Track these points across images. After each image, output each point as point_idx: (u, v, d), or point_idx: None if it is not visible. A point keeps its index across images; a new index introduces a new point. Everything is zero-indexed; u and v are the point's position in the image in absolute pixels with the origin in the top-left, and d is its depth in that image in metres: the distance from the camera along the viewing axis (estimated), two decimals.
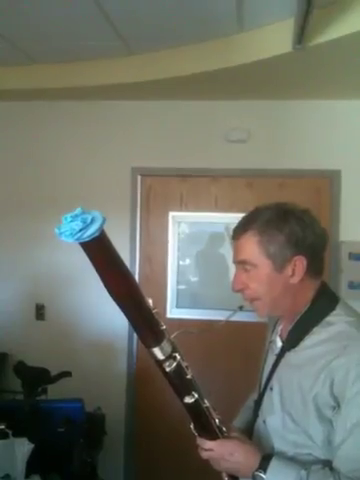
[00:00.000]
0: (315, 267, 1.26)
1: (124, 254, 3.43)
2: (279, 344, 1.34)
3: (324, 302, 1.26)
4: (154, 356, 1.08)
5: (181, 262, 3.62)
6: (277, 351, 1.34)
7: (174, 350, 1.09)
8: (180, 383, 1.14)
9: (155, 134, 3.47)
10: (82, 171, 3.52)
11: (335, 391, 1.14)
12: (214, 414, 1.22)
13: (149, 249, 3.56)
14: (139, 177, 3.51)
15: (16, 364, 2.84)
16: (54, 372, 2.79)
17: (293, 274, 1.23)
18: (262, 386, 1.39)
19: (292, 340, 1.27)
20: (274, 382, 1.32)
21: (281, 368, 1.30)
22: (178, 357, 1.10)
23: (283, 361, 1.30)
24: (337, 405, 1.14)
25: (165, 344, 1.07)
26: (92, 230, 0.85)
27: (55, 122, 3.55)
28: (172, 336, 1.11)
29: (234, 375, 3.43)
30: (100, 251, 0.91)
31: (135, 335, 3.51)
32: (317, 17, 2.15)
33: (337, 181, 3.35)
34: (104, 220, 0.86)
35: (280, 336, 1.36)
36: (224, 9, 2.32)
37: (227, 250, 3.61)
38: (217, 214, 3.50)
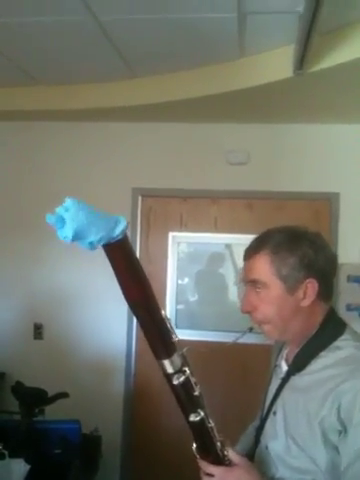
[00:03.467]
0: (325, 291, 1.26)
1: None
2: (284, 368, 1.33)
3: (332, 327, 1.26)
4: (163, 368, 1.06)
5: (180, 281, 3.63)
6: (282, 375, 1.32)
7: (184, 364, 1.08)
8: (187, 399, 1.11)
9: (156, 155, 3.50)
10: (83, 191, 3.50)
11: (342, 415, 1.12)
12: (217, 436, 1.20)
13: (149, 269, 3.56)
14: (140, 198, 3.53)
15: (14, 385, 2.82)
16: (51, 392, 2.78)
17: (304, 297, 1.23)
18: (265, 410, 1.37)
19: (299, 364, 1.26)
20: (278, 406, 1.30)
21: (286, 392, 1.29)
22: (187, 372, 1.08)
23: (288, 385, 1.29)
24: (344, 429, 1.13)
25: (175, 357, 1.05)
26: (117, 232, 0.85)
27: (56, 143, 3.58)
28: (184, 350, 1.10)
29: (233, 397, 3.40)
30: (122, 255, 0.91)
31: (133, 355, 3.51)
32: (317, 44, 2.19)
33: (336, 203, 3.38)
34: (127, 224, 0.87)
35: (286, 360, 1.35)
36: (226, 34, 2.36)
37: (227, 270, 3.62)
38: (217, 235, 3.52)
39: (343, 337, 1.24)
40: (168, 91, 2.86)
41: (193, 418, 1.12)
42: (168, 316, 3.40)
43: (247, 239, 3.89)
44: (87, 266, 3.50)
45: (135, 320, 3.48)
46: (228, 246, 3.58)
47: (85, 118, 3.41)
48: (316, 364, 1.23)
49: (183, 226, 3.55)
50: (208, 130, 3.45)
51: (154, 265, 3.57)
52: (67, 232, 0.82)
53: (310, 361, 1.24)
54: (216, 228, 3.52)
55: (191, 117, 3.32)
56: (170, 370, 1.06)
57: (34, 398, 2.68)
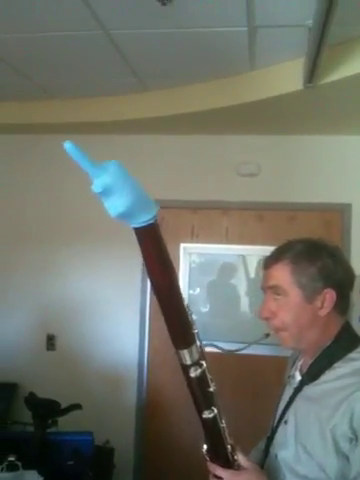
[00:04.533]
0: (342, 303, 1.29)
1: (135, 286, 3.48)
2: (298, 378, 1.34)
3: (348, 339, 1.28)
4: (181, 359, 1.07)
5: (191, 292, 3.63)
6: (295, 385, 1.34)
7: (201, 358, 1.08)
8: (201, 394, 1.11)
9: (167, 167, 3.53)
10: (94, 203, 3.54)
11: (355, 424, 1.13)
12: (228, 439, 1.20)
13: None
14: None
15: (27, 396, 2.84)
16: (64, 403, 2.79)
17: (322, 306, 1.25)
18: (276, 420, 1.38)
19: (313, 373, 1.27)
20: (290, 415, 1.31)
21: (298, 401, 1.30)
22: (204, 365, 1.09)
23: (301, 394, 1.30)
24: (355, 438, 1.13)
25: (194, 349, 1.05)
26: (149, 215, 0.89)
27: (68, 155, 3.62)
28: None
29: (244, 408, 3.38)
30: (152, 239, 0.94)
31: (145, 365, 3.52)
32: (327, 56, 2.21)
33: (348, 214, 3.37)
34: (157, 211, 0.91)
35: (300, 371, 1.36)
36: (236, 48, 2.39)
37: (239, 280, 3.62)
38: (228, 246, 3.52)
39: (358, 350, 1.26)
40: (179, 104, 2.89)
41: (206, 415, 1.12)
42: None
43: (258, 250, 3.85)
44: (99, 277, 3.53)
45: (147, 330, 3.50)
46: (242, 256, 3.59)
47: (97, 131, 3.45)
48: (330, 374, 1.24)
49: (194, 237, 3.56)
50: (219, 142, 3.47)
51: None
52: (102, 180, 0.84)
53: (324, 371, 1.25)
54: (227, 239, 3.53)
55: (202, 129, 3.35)
56: (188, 361, 1.06)
57: (47, 409, 2.69)
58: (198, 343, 1.07)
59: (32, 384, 3.30)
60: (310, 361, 1.30)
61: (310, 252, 1.28)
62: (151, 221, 0.89)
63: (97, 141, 3.57)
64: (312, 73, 2.33)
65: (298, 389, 1.31)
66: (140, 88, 2.92)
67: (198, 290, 3.67)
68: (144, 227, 0.90)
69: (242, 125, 3.23)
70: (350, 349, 1.25)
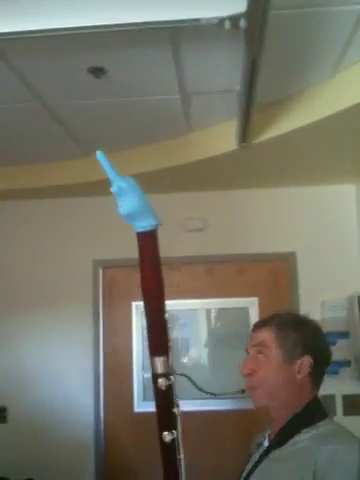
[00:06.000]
0: (317, 376, 1.38)
1: (88, 348, 3.42)
2: (266, 444, 1.39)
3: (317, 410, 1.36)
4: (154, 366, 1.12)
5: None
6: (263, 449, 1.38)
7: (170, 373, 1.13)
8: (164, 412, 1.13)
9: (115, 227, 3.50)
10: (44, 268, 3.53)
11: (318, 476, 1.17)
12: (184, 475, 1.15)
13: (113, 341, 3.54)
14: (101, 269, 3.56)
15: None
16: (18, 478, 2.66)
17: (299, 371, 1.34)
18: None
19: (281, 438, 1.33)
20: (254, 477, 1.34)
21: (264, 464, 1.34)
22: (172, 380, 1.13)
23: (267, 459, 1.34)
24: None
25: (166, 360, 1.12)
26: (152, 221, 1.10)
27: (15, 221, 3.60)
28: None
29: (204, 465, 3.31)
30: (150, 245, 1.11)
31: (102, 431, 3.41)
32: (259, 116, 2.36)
33: (293, 262, 3.47)
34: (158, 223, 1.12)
35: (268, 437, 1.41)
36: (172, 113, 2.51)
37: (193, 334, 3.62)
38: (179, 301, 3.53)
39: (325, 420, 1.33)
40: (122, 167, 2.93)
41: (167, 437, 1.11)
42: (135, 386, 3.28)
43: (209, 303, 3.84)
44: (49, 342, 3.46)
45: (102, 391, 3.41)
46: (194, 310, 3.61)
47: (44, 196, 3.47)
48: (297, 438, 1.30)
49: None
50: (165, 200, 3.51)
51: (119, 335, 3.54)
52: (119, 184, 1.07)
53: (293, 436, 1.31)
54: (178, 294, 3.54)
55: (147, 189, 3.38)
56: (159, 370, 1.11)
57: None
58: (170, 357, 1.13)
59: None
60: (279, 427, 1.35)
61: (295, 322, 1.42)
62: (152, 228, 1.09)
63: (43, 205, 3.58)
64: (245, 133, 2.46)
65: (265, 453, 1.35)
66: (83, 153, 2.98)
67: None
68: (145, 232, 1.09)
69: (185, 183, 3.33)
70: (318, 419, 1.32)
